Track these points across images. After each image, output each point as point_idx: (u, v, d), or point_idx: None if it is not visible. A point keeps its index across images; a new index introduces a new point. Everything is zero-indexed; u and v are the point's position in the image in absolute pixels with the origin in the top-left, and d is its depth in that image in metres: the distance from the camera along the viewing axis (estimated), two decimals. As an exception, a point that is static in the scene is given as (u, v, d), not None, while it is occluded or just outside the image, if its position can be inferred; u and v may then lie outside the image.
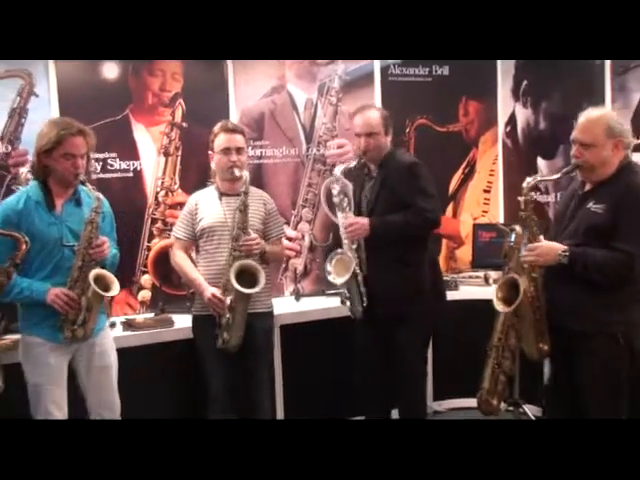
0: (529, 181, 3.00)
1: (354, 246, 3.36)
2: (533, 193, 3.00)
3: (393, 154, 3.48)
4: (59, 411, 2.97)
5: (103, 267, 3.00)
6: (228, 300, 3.23)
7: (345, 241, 3.37)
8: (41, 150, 2.91)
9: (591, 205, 2.91)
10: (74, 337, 2.93)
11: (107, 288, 2.95)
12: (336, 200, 3.40)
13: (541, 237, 2.98)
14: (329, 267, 3.35)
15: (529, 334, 3.09)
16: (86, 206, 3.00)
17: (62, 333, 2.92)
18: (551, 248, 2.92)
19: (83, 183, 2.97)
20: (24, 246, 2.64)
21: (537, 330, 3.07)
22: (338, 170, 3.42)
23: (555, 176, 3.10)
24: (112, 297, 3.33)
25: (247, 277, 3.22)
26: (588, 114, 2.95)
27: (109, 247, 3.00)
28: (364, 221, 3.32)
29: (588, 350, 2.92)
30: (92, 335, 3.00)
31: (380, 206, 3.37)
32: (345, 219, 3.37)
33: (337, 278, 3.35)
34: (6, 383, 2.83)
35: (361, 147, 3.40)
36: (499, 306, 3.07)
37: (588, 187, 2.99)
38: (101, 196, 2.99)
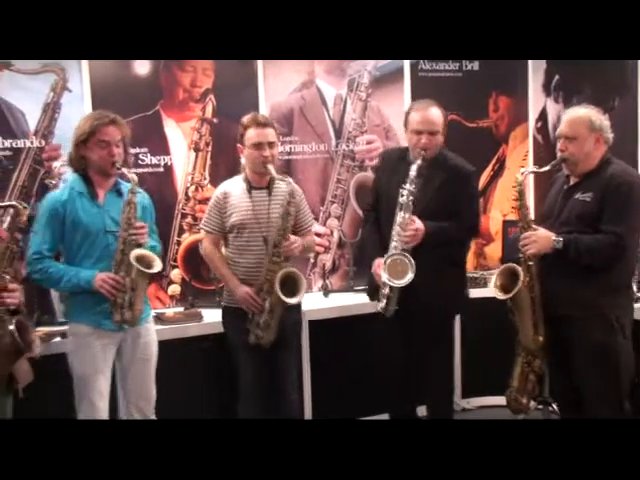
0: (523, 171, 3.29)
1: (407, 247, 3.27)
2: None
3: (445, 154, 3.45)
4: (102, 401, 3.03)
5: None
6: (267, 303, 3.25)
7: (395, 243, 3.28)
8: (77, 141, 3.02)
9: (579, 195, 3.14)
10: (123, 320, 2.99)
11: (149, 266, 3.01)
12: (403, 201, 3.27)
13: (535, 226, 3.19)
14: (383, 268, 3.25)
15: (526, 324, 3.22)
16: (129, 186, 3.06)
17: (112, 318, 2.99)
18: (545, 236, 3.13)
19: (120, 169, 3.03)
20: (23, 213, 2.67)
21: (533, 320, 3.21)
22: (413, 171, 3.27)
23: (545, 168, 3.29)
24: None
25: (288, 283, 3.24)
26: (573, 111, 3.24)
27: (147, 231, 3.06)
28: (422, 228, 3.26)
29: (582, 334, 3.09)
30: (139, 321, 3.06)
31: (433, 208, 3.32)
32: (404, 221, 3.26)
33: (397, 280, 3.24)
34: (36, 376, 2.87)
35: (422, 144, 3.31)
36: (497, 293, 3.21)
37: (573, 181, 3.21)
38: (136, 178, 3.06)
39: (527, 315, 3.20)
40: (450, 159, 3.45)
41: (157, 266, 3.04)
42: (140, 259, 2.98)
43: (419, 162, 3.28)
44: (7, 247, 2.58)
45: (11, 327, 2.56)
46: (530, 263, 3.19)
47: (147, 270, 2.99)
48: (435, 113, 3.37)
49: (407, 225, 3.25)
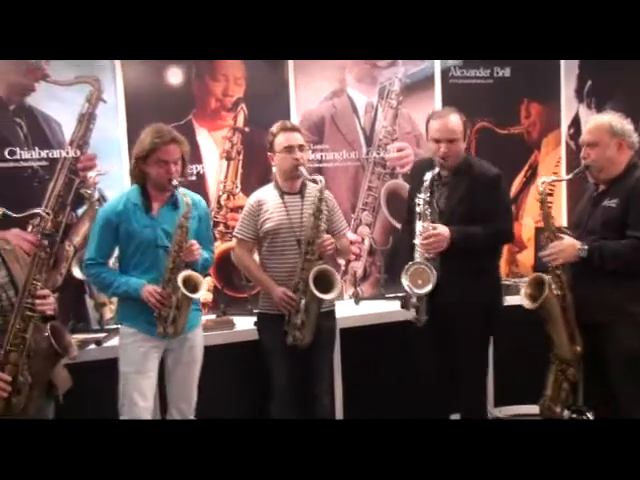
0: (544, 181, 3.26)
1: (430, 256, 3.25)
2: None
3: (470, 161, 3.42)
4: (144, 401, 3.10)
5: (194, 269, 3.13)
6: (303, 302, 3.28)
7: (420, 250, 3.27)
8: (138, 156, 3.10)
9: (606, 202, 3.12)
10: (165, 333, 3.08)
11: (195, 289, 3.08)
12: (420, 209, 3.27)
13: (561, 235, 3.19)
14: (405, 277, 3.24)
15: (561, 335, 3.19)
16: (182, 209, 3.11)
17: (155, 328, 3.08)
18: (570, 244, 3.12)
19: (176, 188, 3.09)
20: (48, 220, 2.76)
21: (568, 331, 3.18)
22: (428, 179, 3.27)
23: (567, 177, 3.33)
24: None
25: (322, 281, 3.26)
26: (594, 118, 3.25)
27: (199, 250, 3.13)
28: (446, 233, 3.22)
29: (614, 341, 3.06)
30: (183, 332, 3.13)
31: (459, 215, 3.29)
32: (425, 229, 3.25)
33: (418, 289, 3.24)
34: (75, 382, 2.92)
35: (441, 153, 3.28)
36: (526, 302, 3.20)
37: (601, 188, 3.19)
38: (193, 201, 3.14)
39: (560, 325, 3.18)
40: (474, 165, 3.42)
41: (201, 291, 3.13)
42: (187, 281, 3.05)
43: (435, 171, 3.29)
44: (35, 254, 2.61)
45: (46, 333, 2.61)
46: (559, 272, 3.17)
47: (190, 294, 3.05)
48: (453, 121, 3.32)
49: (426, 233, 3.24)
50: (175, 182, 3.07)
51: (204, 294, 3.17)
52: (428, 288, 3.22)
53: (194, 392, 3.28)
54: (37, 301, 2.59)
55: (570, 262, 3.14)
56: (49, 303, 2.65)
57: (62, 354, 2.64)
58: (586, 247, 3.06)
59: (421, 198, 3.27)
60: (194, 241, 3.11)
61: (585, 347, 3.19)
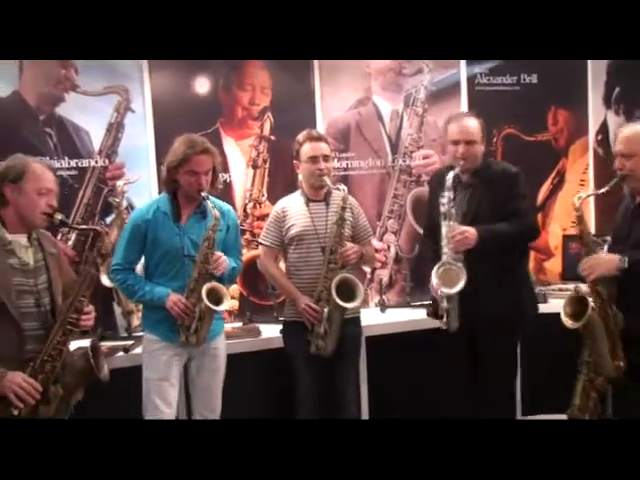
0: (581, 196, 3.14)
1: (458, 257, 3.23)
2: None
3: (489, 163, 3.46)
4: (167, 407, 3.13)
5: (220, 280, 3.15)
6: (325, 311, 3.28)
7: (447, 251, 3.24)
8: (170, 166, 3.12)
9: None
10: (187, 342, 3.11)
11: (219, 301, 3.09)
12: (444, 209, 3.26)
13: (598, 249, 3.10)
14: (435, 278, 3.22)
15: (602, 351, 3.07)
16: (211, 219, 3.14)
17: (178, 336, 3.11)
18: (608, 258, 3.02)
19: (205, 199, 3.11)
20: (105, 237, 2.75)
21: (610, 346, 3.06)
22: (450, 177, 3.27)
23: (603, 189, 3.14)
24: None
25: (345, 289, 3.27)
26: (627, 128, 3.13)
27: (225, 262, 3.14)
28: (472, 230, 3.21)
29: None
30: (205, 341, 3.15)
31: (482, 215, 3.29)
32: (450, 228, 3.23)
33: (448, 289, 3.20)
34: (99, 390, 2.94)
35: (459, 154, 3.30)
36: (568, 322, 3.05)
37: (639, 199, 3.08)
38: (222, 211, 3.17)
39: (603, 342, 3.06)
40: (493, 166, 3.46)
41: (225, 304, 3.13)
42: (211, 292, 3.07)
43: (456, 170, 3.28)
44: (88, 272, 2.62)
45: (87, 350, 2.63)
46: (598, 288, 3.05)
47: (214, 307, 3.06)
48: (472, 123, 3.36)
49: (453, 231, 3.22)
50: (204, 193, 3.09)
51: (228, 304, 3.16)
52: (459, 286, 3.18)
53: (218, 401, 3.30)
54: (82, 317, 2.61)
55: (609, 275, 3.01)
56: (91, 319, 2.67)
57: (97, 375, 2.65)
58: (627, 258, 2.95)
59: (445, 196, 3.26)
60: (220, 253, 3.13)
61: (630, 360, 3.07)
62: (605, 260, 3.03)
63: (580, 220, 3.11)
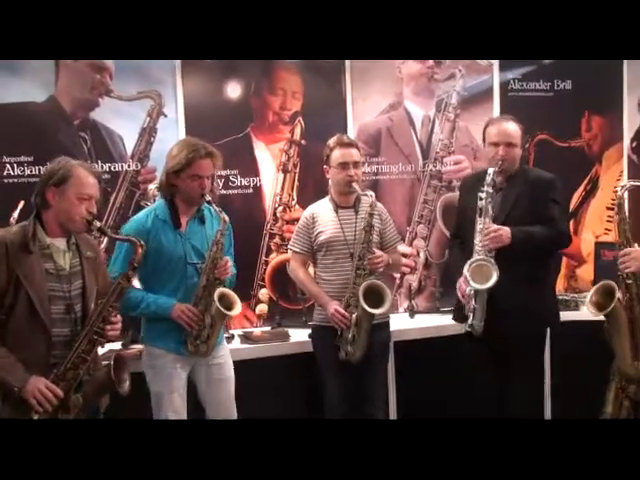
0: (623, 184, 3.19)
1: (491, 255, 3.21)
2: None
3: (525, 169, 3.46)
4: (177, 417, 3.08)
5: (223, 285, 3.10)
6: (354, 317, 3.28)
7: (480, 249, 3.22)
8: (171, 170, 3.04)
9: None
10: (197, 352, 3.06)
11: (230, 307, 3.05)
12: (482, 204, 3.23)
13: (635, 244, 3.06)
14: (467, 272, 3.19)
15: (624, 348, 3.07)
16: (209, 224, 3.12)
17: (185, 347, 3.05)
18: None
19: (210, 203, 3.08)
20: (140, 249, 2.67)
21: (632, 344, 3.05)
22: (491, 174, 3.25)
23: None
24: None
25: (373, 295, 3.27)
26: None
27: (232, 267, 3.12)
28: (507, 229, 3.20)
29: None
30: (212, 351, 3.11)
31: (515, 218, 3.28)
32: (485, 225, 3.22)
33: (480, 284, 3.17)
34: (132, 390, 2.96)
35: (499, 156, 3.29)
36: (591, 309, 3.07)
37: None
38: (227, 218, 3.10)
39: (625, 338, 3.07)
40: (530, 172, 3.47)
41: (237, 309, 3.08)
42: (222, 298, 3.03)
43: (495, 168, 3.27)
44: (118, 283, 2.63)
45: (111, 362, 2.61)
46: (629, 282, 3.06)
47: (228, 312, 3.03)
48: (512, 126, 3.36)
49: (487, 229, 3.21)
50: (208, 197, 3.05)
51: (239, 309, 3.12)
52: (491, 283, 3.15)
53: (233, 410, 3.22)
54: (108, 327, 2.61)
55: None
56: (118, 329, 2.68)
57: (117, 387, 2.61)
58: None
59: (484, 192, 3.24)
60: (228, 257, 3.11)
61: None
62: None
63: (620, 208, 3.10)
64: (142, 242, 2.70)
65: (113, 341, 2.73)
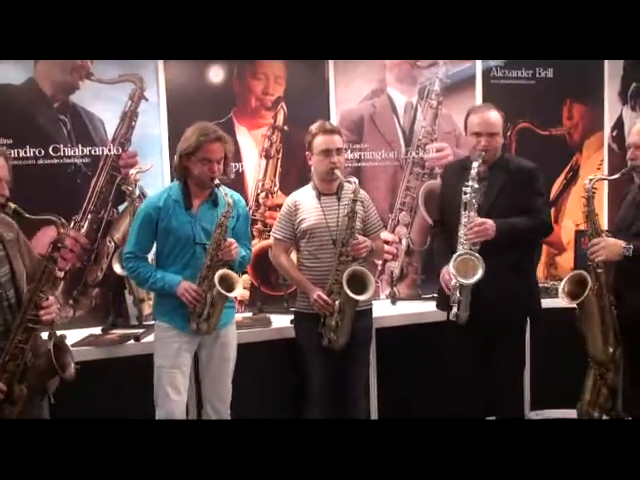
0: (591, 178, 3.26)
1: (475, 248, 3.21)
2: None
3: (506, 157, 3.46)
4: (177, 395, 3.15)
5: (231, 267, 3.17)
6: (337, 304, 3.28)
7: (464, 242, 3.23)
8: (182, 153, 3.13)
9: None
10: (199, 330, 3.13)
11: (231, 288, 3.11)
12: (467, 198, 3.23)
13: (604, 234, 3.18)
14: (452, 267, 3.19)
15: (595, 334, 3.17)
16: (222, 207, 3.15)
17: (189, 324, 3.12)
18: (614, 242, 3.09)
19: (218, 186, 3.12)
20: (61, 229, 2.57)
21: (602, 330, 3.15)
22: (474, 169, 3.24)
23: (615, 176, 3.29)
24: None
25: (356, 282, 3.27)
26: None
27: (237, 248, 3.15)
28: (491, 222, 3.20)
29: None
30: (215, 329, 3.17)
31: (497, 210, 3.28)
32: (470, 220, 3.22)
33: (465, 278, 3.17)
34: (115, 378, 2.91)
35: (481, 146, 3.29)
36: (565, 299, 3.17)
37: None
38: (233, 199, 3.15)
39: (595, 325, 3.15)
40: (511, 160, 3.46)
41: (237, 290, 3.15)
42: (223, 279, 3.08)
43: (479, 160, 3.27)
44: (45, 267, 2.52)
45: (49, 347, 2.54)
46: (599, 271, 3.15)
47: (226, 293, 3.08)
48: (494, 115, 3.36)
49: (472, 222, 3.21)
50: (217, 181, 3.10)
51: (240, 291, 3.18)
52: (477, 277, 3.16)
53: (228, 390, 3.31)
54: (41, 312, 2.50)
55: (613, 260, 3.10)
56: (52, 311, 2.57)
57: (58, 373, 2.55)
58: (631, 246, 3.02)
59: (469, 186, 3.24)
60: (232, 240, 3.14)
61: (633, 351, 3.14)
62: (610, 244, 3.10)
63: (589, 200, 3.20)
64: (63, 221, 2.59)
65: (52, 325, 2.62)
